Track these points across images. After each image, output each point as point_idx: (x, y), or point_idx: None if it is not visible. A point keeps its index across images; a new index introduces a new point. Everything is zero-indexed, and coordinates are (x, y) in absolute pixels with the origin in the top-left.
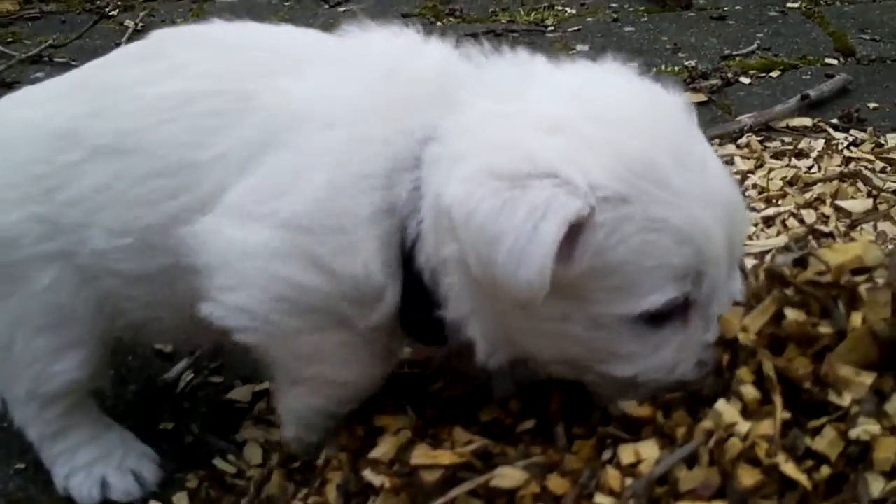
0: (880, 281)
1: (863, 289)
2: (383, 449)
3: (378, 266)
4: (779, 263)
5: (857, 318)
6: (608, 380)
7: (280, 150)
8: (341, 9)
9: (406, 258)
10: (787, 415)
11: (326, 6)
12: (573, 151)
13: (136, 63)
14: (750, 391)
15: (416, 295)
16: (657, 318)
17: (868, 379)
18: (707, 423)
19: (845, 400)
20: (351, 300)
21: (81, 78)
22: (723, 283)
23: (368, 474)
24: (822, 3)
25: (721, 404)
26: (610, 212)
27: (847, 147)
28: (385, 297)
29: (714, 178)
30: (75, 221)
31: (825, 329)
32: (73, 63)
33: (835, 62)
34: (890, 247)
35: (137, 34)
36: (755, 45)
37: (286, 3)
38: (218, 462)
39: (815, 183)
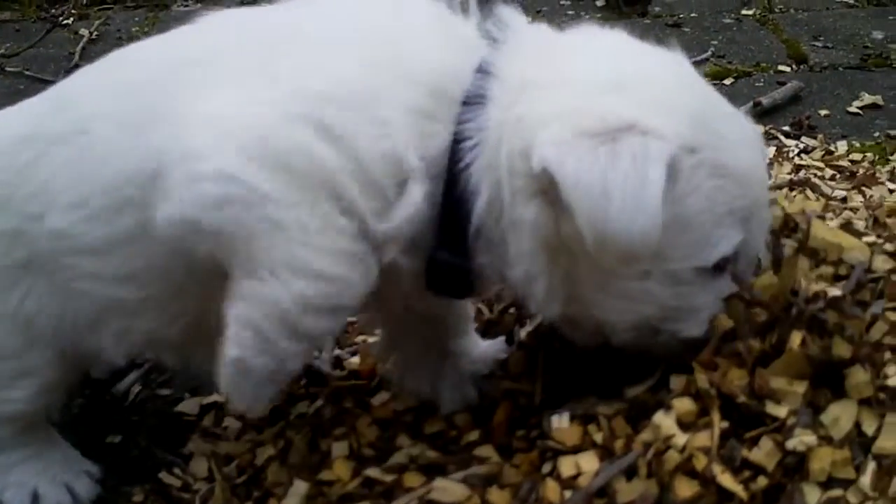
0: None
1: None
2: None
3: (414, 157)
4: None
5: (796, 339)
6: (672, 340)
7: (287, 54)
8: None
9: (453, 198)
10: (725, 424)
11: None
12: (641, 107)
13: (103, 70)
14: (686, 404)
15: (454, 236)
16: (720, 266)
17: (801, 388)
18: (645, 435)
19: (782, 411)
20: (366, 187)
21: (54, 90)
22: (765, 225)
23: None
24: (776, 10)
25: (659, 416)
26: (685, 160)
27: (798, 154)
28: (413, 197)
29: (744, 124)
30: (33, 214)
31: (757, 345)
32: (27, 72)
33: (788, 69)
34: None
35: (92, 43)
36: (709, 53)
37: None
38: (164, 476)
39: None
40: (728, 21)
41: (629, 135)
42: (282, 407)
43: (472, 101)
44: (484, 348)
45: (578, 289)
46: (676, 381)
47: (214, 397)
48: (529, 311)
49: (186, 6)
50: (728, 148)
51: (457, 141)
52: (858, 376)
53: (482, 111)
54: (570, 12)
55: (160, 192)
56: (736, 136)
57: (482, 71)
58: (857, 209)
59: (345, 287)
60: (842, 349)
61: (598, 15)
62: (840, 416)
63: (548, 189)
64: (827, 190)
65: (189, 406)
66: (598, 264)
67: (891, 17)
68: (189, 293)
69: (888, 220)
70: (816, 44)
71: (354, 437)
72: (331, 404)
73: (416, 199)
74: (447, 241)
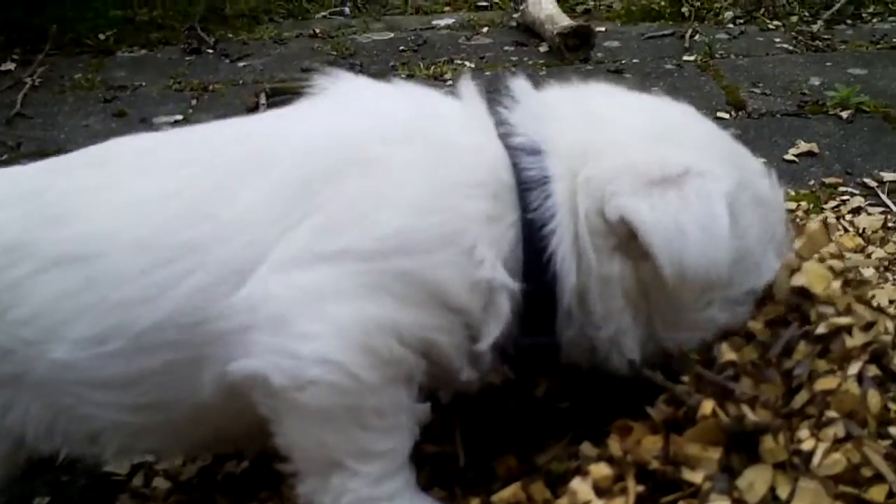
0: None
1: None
2: None
3: (502, 270)
4: None
5: (707, 406)
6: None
7: (335, 183)
8: (241, 64)
9: (539, 286)
10: (641, 489)
11: (227, 61)
12: (689, 153)
13: (90, 168)
14: (602, 469)
15: (539, 314)
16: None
17: (716, 454)
18: (562, 501)
19: (697, 477)
20: (456, 329)
21: (29, 184)
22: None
23: None
24: (716, 55)
25: (576, 482)
26: (740, 196)
27: None
28: (501, 311)
29: (752, 157)
30: (28, 340)
31: (670, 410)
32: None
33: (727, 116)
34: None
35: (34, 90)
36: None
37: (187, 59)
38: None
39: None
40: (669, 67)
41: (689, 178)
42: (210, 468)
43: (532, 184)
44: None
45: (654, 329)
46: (588, 448)
47: (144, 457)
48: (609, 368)
49: (132, 52)
50: (758, 180)
51: (531, 229)
52: (772, 441)
53: (548, 192)
54: (514, 58)
55: (238, 345)
56: (757, 168)
57: (532, 151)
58: None
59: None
60: (754, 418)
61: (542, 61)
62: (755, 480)
63: (626, 239)
64: None
65: (118, 466)
66: (672, 302)
67: (828, 64)
68: (213, 419)
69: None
70: (755, 90)
71: (279, 499)
72: (258, 466)
73: (504, 311)
74: (533, 326)
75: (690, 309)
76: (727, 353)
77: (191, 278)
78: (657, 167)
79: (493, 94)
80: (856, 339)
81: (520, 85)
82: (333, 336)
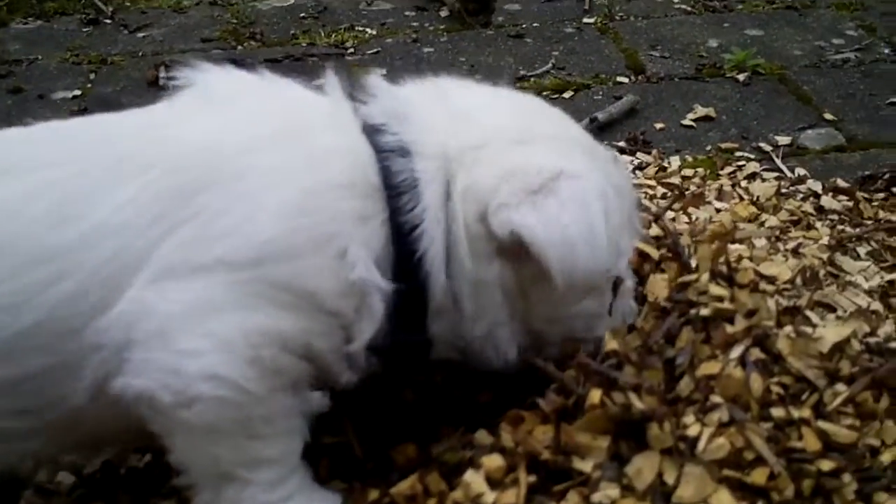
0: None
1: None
2: None
3: (374, 271)
4: None
5: (595, 395)
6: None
7: (205, 193)
8: (140, 34)
9: (410, 286)
10: (532, 479)
11: (126, 32)
12: (557, 153)
13: None
14: (495, 460)
15: (410, 313)
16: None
17: (604, 443)
18: (457, 494)
19: (587, 465)
20: (332, 331)
21: None
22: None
23: None
24: (616, 17)
25: (469, 474)
26: (608, 190)
27: (632, 171)
28: (375, 312)
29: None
30: None
31: (560, 400)
32: None
33: (626, 80)
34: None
35: None
36: (549, 65)
37: (85, 30)
38: None
39: None
40: (570, 30)
41: (564, 182)
42: (113, 461)
43: (403, 187)
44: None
45: (530, 324)
46: (482, 437)
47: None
48: (481, 364)
49: (26, 24)
50: (614, 169)
51: (400, 231)
52: (658, 428)
53: (418, 195)
54: (415, 24)
55: (117, 360)
56: (609, 156)
57: (401, 153)
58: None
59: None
60: (640, 406)
61: (442, 26)
62: (643, 467)
63: (509, 247)
64: (656, 210)
65: None
66: (550, 300)
67: (725, 25)
68: (90, 422)
69: (711, 247)
70: (654, 53)
71: (179, 495)
72: (161, 460)
73: (377, 311)
74: (405, 325)
75: (565, 303)
76: (610, 342)
77: (58, 285)
78: (535, 174)
79: (356, 88)
80: (738, 325)
81: (376, 81)
82: (218, 350)
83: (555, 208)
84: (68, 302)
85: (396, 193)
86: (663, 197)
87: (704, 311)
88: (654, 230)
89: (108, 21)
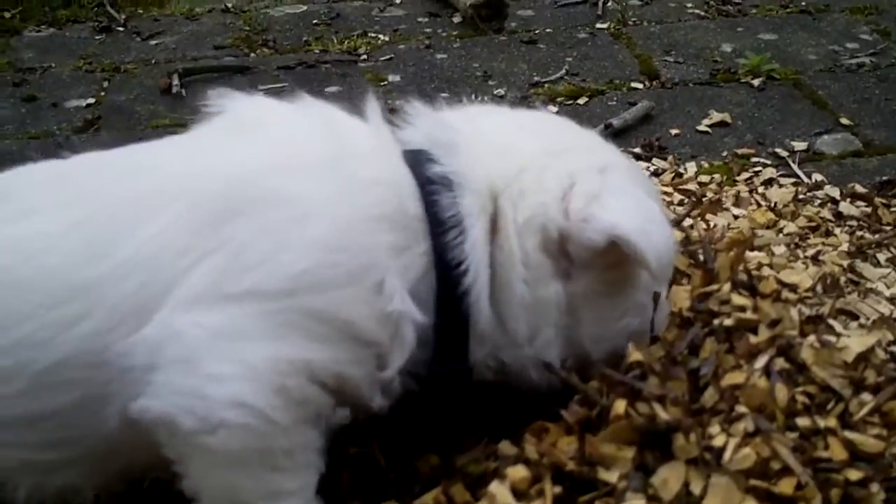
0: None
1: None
2: None
3: (409, 302)
4: None
5: (620, 406)
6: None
7: (235, 222)
8: (153, 42)
9: (452, 318)
10: (558, 489)
11: (139, 39)
12: (584, 154)
13: None
14: (519, 471)
15: (452, 344)
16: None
17: (629, 453)
18: None
19: (613, 476)
20: (365, 361)
21: None
22: None
23: None
24: (629, 23)
25: (495, 486)
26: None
27: (649, 178)
28: (407, 341)
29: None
30: None
31: (584, 411)
32: None
33: (640, 86)
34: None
35: None
36: (563, 71)
37: (98, 38)
38: None
39: None
40: (583, 36)
41: (609, 175)
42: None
43: (449, 221)
44: None
45: (578, 345)
46: (506, 448)
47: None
48: (523, 384)
49: (39, 32)
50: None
51: (445, 266)
52: (684, 439)
53: (464, 231)
54: (428, 30)
55: (141, 383)
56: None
57: (447, 185)
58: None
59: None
60: (666, 416)
61: (455, 33)
62: (668, 477)
63: (588, 258)
64: (674, 217)
65: None
66: (597, 315)
67: (739, 29)
68: (125, 452)
69: (729, 255)
70: (668, 58)
71: None
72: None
73: (409, 340)
74: (446, 354)
75: (612, 319)
76: (633, 353)
77: (86, 320)
78: (588, 182)
79: (396, 112)
80: (761, 335)
81: (417, 105)
82: (245, 378)
83: (621, 201)
84: (95, 336)
85: (443, 229)
86: (680, 204)
87: (728, 322)
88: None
89: (121, 29)
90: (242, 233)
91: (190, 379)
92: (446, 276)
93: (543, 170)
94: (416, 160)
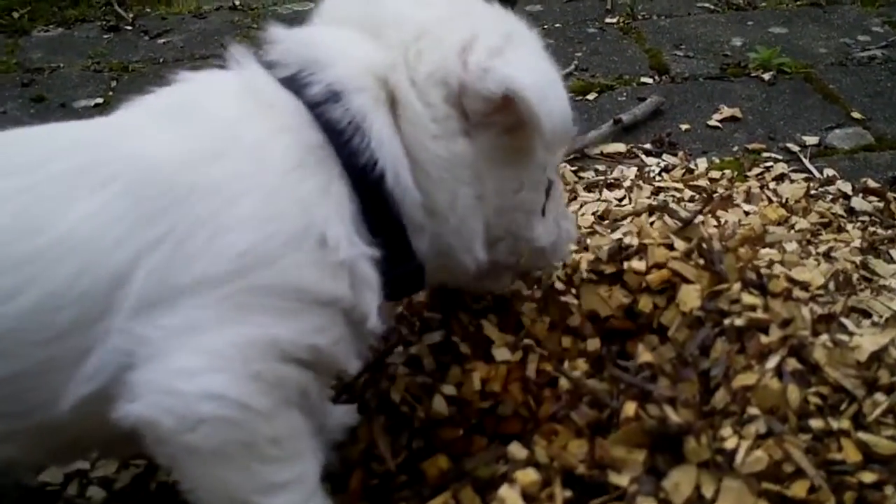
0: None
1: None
2: None
3: (357, 242)
4: None
5: (630, 408)
6: (529, 251)
7: (171, 211)
8: (161, 41)
9: (379, 210)
10: (568, 493)
11: (147, 38)
12: (490, 17)
13: None
14: (529, 475)
15: (396, 248)
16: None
17: (640, 456)
18: None
19: (623, 479)
20: (336, 304)
21: None
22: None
23: None
24: (639, 17)
25: (504, 490)
26: None
27: (659, 174)
28: (369, 277)
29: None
30: None
31: (594, 414)
32: None
33: (650, 81)
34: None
35: None
36: (573, 66)
37: (106, 37)
38: None
39: (624, 217)
40: (592, 31)
41: (517, 37)
42: (144, 476)
43: (346, 133)
44: (337, 416)
45: (486, 217)
46: (515, 451)
47: (78, 465)
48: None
49: (47, 31)
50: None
51: (363, 176)
52: (695, 441)
53: (365, 132)
54: None
55: (108, 382)
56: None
57: (332, 98)
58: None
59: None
60: (677, 419)
61: None
62: (680, 481)
63: (488, 111)
64: (684, 215)
65: (52, 475)
66: (499, 183)
67: (749, 23)
68: (72, 430)
69: (740, 252)
70: (678, 53)
71: None
72: None
73: (372, 278)
74: (394, 260)
75: (511, 190)
76: (644, 354)
77: (23, 296)
78: (492, 36)
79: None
80: (773, 335)
81: (275, 31)
82: (214, 368)
83: (524, 59)
84: (32, 314)
85: (345, 142)
86: (691, 200)
87: (738, 322)
88: (681, 241)
89: (129, 27)
90: (180, 224)
91: (162, 378)
92: (368, 184)
93: (443, 30)
94: (296, 89)
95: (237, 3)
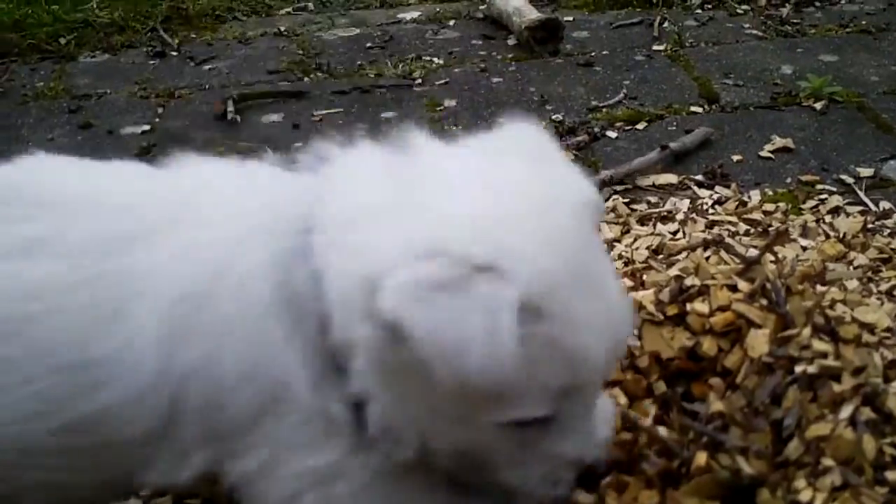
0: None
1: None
2: None
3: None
4: None
5: (701, 458)
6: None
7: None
8: (207, 67)
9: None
10: None
11: (192, 64)
12: (498, 249)
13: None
14: None
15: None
16: (523, 424)
17: None
18: None
19: None
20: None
21: None
22: (589, 400)
23: None
24: (686, 44)
25: None
26: (525, 324)
27: (712, 206)
28: (334, 416)
29: (610, 301)
30: None
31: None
32: None
33: (700, 110)
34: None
35: None
36: (622, 95)
37: (152, 63)
38: None
39: (679, 252)
40: (640, 58)
41: (480, 283)
42: None
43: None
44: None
45: (409, 411)
46: (583, 500)
47: None
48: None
49: (94, 57)
50: (572, 326)
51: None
52: (769, 493)
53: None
54: (482, 53)
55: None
56: (590, 315)
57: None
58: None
59: None
60: (749, 470)
61: (510, 55)
62: None
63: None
64: (741, 250)
65: None
66: (426, 394)
67: (799, 50)
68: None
69: (806, 293)
70: (727, 81)
71: None
72: None
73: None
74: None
75: (444, 415)
76: (715, 403)
77: (102, 391)
78: (446, 265)
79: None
80: (845, 383)
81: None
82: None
83: (457, 311)
84: (107, 409)
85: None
86: (746, 234)
87: (811, 369)
88: (744, 282)
89: (175, 53)
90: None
91: None
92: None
93: (425, 228)
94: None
95: (282, 29)
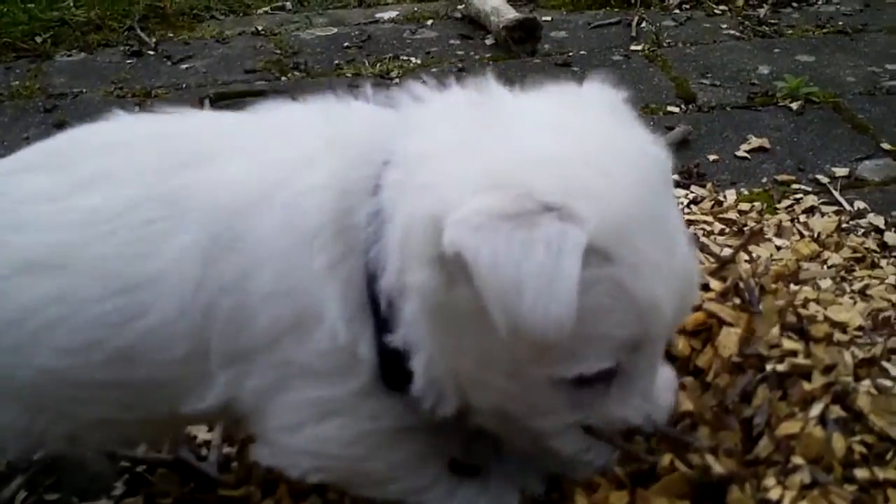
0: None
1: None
2: None
3: (343, 324)
4: None
5: (665, 459)
6: (532, 436)
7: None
8: (184, 66)
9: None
10: None
11: (169, 63)
12: (569, 189)
13: (44, 172)
14: None
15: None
16: (583, 381)
17: None
18: None
19: None
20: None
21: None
22: (655, 359)
23: None
24: (664, 45)
25: None
26: (591, 267)
27: (687, 206)
28: (359, 355)
29: (681, 254)
30: (8, 346)
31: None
32: None
33: (677, 109)
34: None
35: None
36: None
37: (129, 62)
38: None
39: None
40: (617, 58)
41: (548, 219)
42: None
43: (368, 221)
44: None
45: (458, 363)
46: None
47: (103, 501)
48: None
49: (70, 56)
50: (640, 274)
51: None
52: (739, 491)
53: (380, 226)
54: (460, 52)
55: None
56: (660, 264)
57: (385, 161)
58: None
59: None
60: (719, 468)
61: (488, 55)
62: None
63: (448, 264)
64: (716, 249)
65: None
66: (481, 341)
67: (776, 51)
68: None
69: (779, 292)
70: (704, 81)
71: None
72: None
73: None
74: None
75: (493, 370)
76: (684, 403)
77: (147, 316)
78: (515, 198)
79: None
80: (815, 382)
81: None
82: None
83: (518, 246)
84: (153, 334)
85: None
86: (721, 233)
87: (780, 367)
88: (717, 280)
89: (152, 53)
90: (226, 277)
91: (269, 435)
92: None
93: (497, 166)
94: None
95: (260, 28)
